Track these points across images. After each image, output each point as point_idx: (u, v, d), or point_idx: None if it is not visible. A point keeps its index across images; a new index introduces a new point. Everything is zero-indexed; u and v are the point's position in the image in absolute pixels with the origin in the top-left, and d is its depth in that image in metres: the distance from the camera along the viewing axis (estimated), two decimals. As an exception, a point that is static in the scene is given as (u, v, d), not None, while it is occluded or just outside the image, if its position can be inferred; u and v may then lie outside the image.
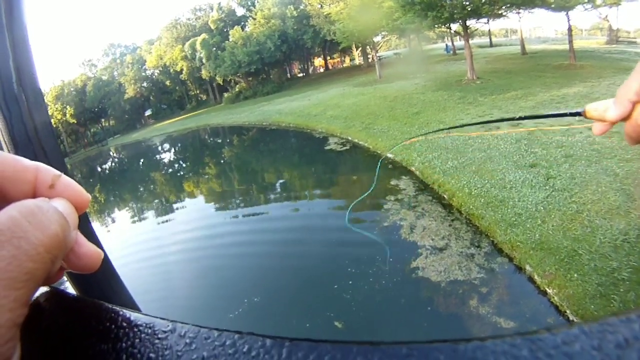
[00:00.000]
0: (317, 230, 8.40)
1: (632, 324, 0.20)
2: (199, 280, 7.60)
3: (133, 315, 0.29)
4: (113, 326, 0.28)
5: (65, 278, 0.40)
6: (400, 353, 0.21)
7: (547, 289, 4.90)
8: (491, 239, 6.28)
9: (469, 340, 0.21)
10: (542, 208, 6.35)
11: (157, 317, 0.29)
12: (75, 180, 0.30)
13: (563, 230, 5.68)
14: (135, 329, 0.28)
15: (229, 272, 7.44)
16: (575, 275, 4.79)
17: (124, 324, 0.28)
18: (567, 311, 4.51)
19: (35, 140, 0.55)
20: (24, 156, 0.54)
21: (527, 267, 5.35)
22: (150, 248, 9.94)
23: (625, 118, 0.52)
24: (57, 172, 0.29)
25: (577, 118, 0.67)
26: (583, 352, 0.19)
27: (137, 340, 0.27)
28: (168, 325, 0.27)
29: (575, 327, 0.21)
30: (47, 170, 0.29)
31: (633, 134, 0.52)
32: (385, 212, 8.01)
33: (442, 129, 1.50)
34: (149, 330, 0.27)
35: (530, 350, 0.20)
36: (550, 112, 0.78)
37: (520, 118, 0.97)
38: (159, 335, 0.27)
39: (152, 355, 0.26)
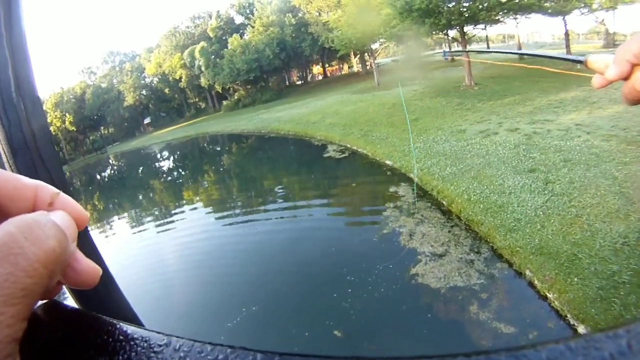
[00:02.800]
0: (315, 238, 8.37)
1: (619, 340, 0.20)
2: (197, 289, 7.56)
3: (130, 329, 0.30)
4: (110, 339, 0.29)
5: (64, 288, 0.39)
6: None
7: (548, 294, 4.89)
8: (491, 244, 6.28)
9: (455, 355, 0.21)
10: (541, 213, 6.35)
11: (153, 331, 0.29)
12: (74, 188, 0.30)
13: (563, 234, 5.67)
14: (132, 343, 0.28)
15: (226, 281, 7.41)
16: (576, 279, 4.78)
17: (121, 337, 0.29)
18: (568, 315, 4.49)
19: (33, 148, 0.55)
20: (22, 164, 0.54)
21: (527, 272, 5.33)
22: (149, 257, 9.91)
23: (625, 78, 0.53)
24: (56, 190, 0.30)
25: (578, 66, 0.70)
26: None
27: (133, 354, 0.27)
28: (163, 339, 0.28)
29: (560, 343, 0.21)
30: (46, 188, 0.29)
31: (629, 95, 0.53)
32: (384, 219, 8.00)
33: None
34: (145, 344, 0.28)
35: None
36: (554, 55, 0.80)
37: (527, 54, 1.06)
38: (155, 349, 0.27)
39: None
